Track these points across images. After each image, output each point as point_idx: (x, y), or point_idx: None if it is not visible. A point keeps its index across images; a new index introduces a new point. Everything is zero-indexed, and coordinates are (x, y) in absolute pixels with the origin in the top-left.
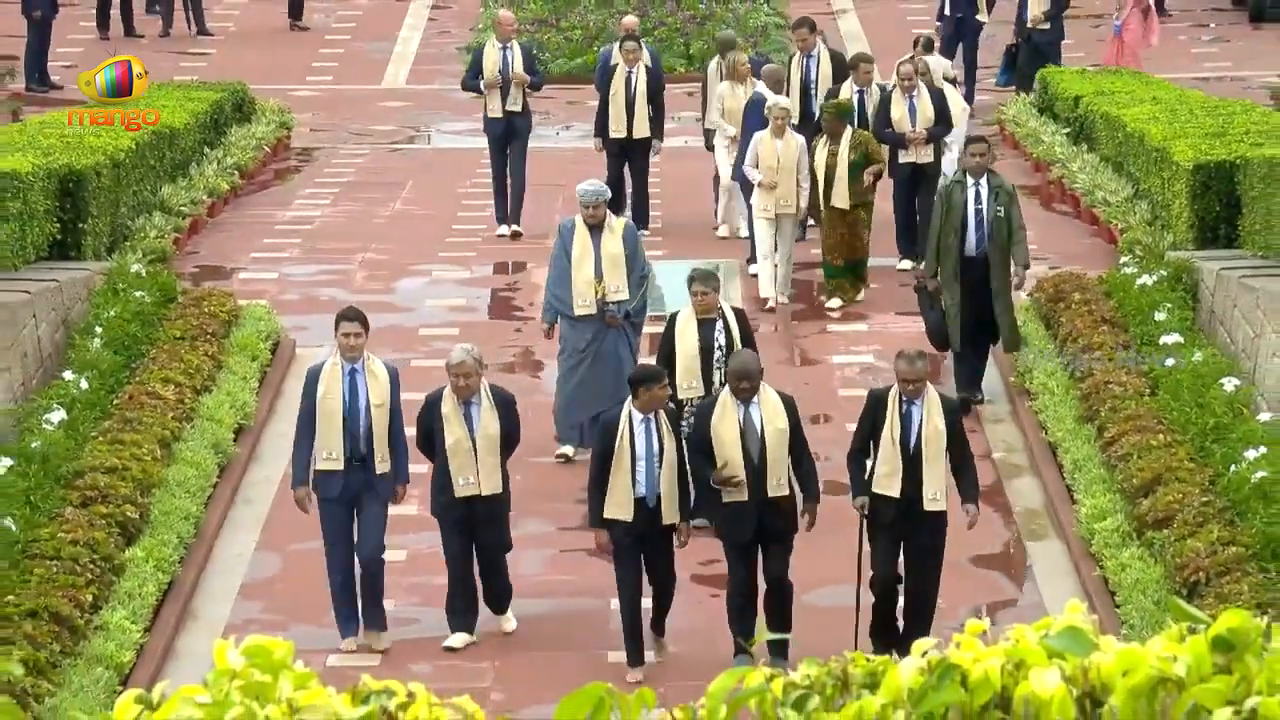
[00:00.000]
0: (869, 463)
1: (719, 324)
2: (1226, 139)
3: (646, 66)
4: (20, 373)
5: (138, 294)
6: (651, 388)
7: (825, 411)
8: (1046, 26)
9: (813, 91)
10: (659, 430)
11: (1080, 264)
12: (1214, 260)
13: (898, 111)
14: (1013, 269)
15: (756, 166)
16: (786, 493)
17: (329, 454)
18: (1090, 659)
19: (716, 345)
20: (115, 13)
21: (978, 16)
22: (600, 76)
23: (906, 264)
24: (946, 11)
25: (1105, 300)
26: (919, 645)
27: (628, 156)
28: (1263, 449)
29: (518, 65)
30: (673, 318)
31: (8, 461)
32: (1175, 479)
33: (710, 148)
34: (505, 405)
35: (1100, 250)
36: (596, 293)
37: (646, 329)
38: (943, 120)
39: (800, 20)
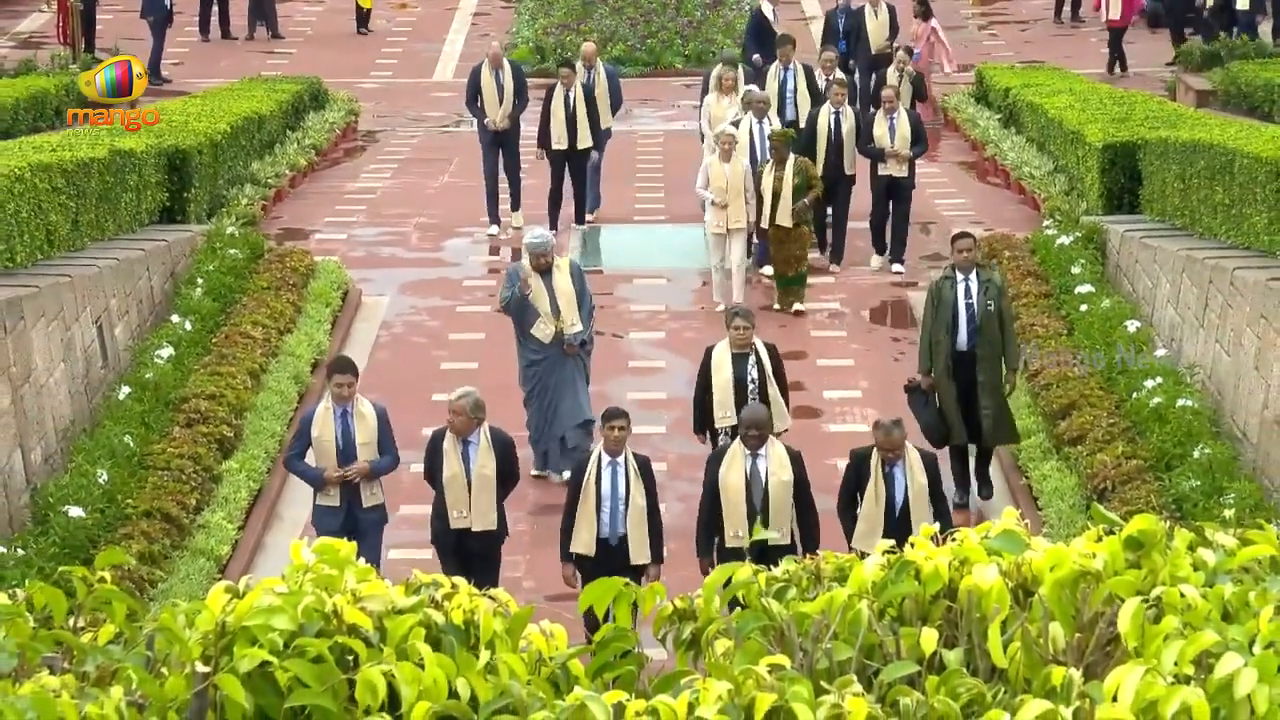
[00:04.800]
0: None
1: (752, 358)
2: (1129, 123)
3: (583, 84)
4: (136, 316)
5: (232, 251)
6: (608, 423)
7: (802, 348)
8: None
9: (789, 99)
10: (626, 474)
11: (1010, 227)
12: (1119, 223)
13: (879, 129)
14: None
15: (707, 188)
16: (788, 543)
17: (328, 490)
18: (1023, 556)
19: (750, 379)
20: (215, 19)
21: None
22: (547, 94)
23: (875, 261)
24: (754, 56)
25: (1031, 256)
26: (880, 545)
27: (568, 164)
28: (1158, 379)
29: (509, 84)
30: (709, 351)
31: (127, 390)
32: (1087, 404)
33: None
34: (503, 447)
35: (1026, 215)
36: (555, 327)
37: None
38: (919, 140)
39: (782, 37)
